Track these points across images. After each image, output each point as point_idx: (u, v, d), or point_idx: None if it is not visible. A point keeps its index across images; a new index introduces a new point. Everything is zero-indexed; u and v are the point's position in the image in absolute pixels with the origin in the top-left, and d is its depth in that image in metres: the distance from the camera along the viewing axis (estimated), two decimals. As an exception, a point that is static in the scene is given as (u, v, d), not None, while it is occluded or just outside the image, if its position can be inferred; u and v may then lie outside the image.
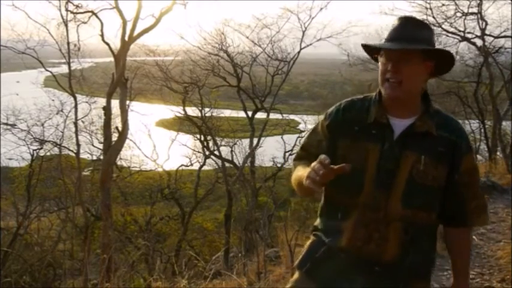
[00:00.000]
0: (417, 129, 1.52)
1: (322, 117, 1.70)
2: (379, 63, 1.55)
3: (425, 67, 1.53)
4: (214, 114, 14.29)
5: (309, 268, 1.64)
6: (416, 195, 1.49)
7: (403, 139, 1.52)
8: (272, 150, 14.70)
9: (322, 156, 1.36)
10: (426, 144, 1.51)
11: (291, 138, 14.73)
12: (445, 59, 1.58)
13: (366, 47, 1.61)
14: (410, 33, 1.50)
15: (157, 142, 14.88)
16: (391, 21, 1.58)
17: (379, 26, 14.19)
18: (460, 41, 12.00)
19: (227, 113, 16.29)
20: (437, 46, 1.64)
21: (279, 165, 13.98)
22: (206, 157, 13.99)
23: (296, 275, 1.71)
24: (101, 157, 11.71)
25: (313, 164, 1.38)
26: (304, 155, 1.70)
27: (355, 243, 1.52)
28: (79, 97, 12.54)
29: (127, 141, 10.62)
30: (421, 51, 1.49)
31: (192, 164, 14.92)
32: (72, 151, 13.02)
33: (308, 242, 1.72)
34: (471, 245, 1.72)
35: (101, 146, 12.53)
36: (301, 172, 1.55)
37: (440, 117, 1.57)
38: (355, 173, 1.48)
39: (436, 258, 1.64)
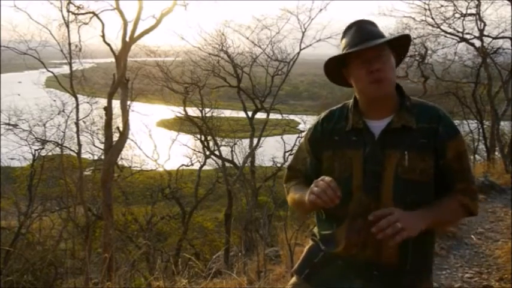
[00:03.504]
0: (394, 125, 1.49)
1: (305, 133, 1.72)
2: (354, 70, 1.52)
3: (392, 58, 1.53)
4: (214, 114, 14.31)
5: (308, 273, 1.63)
6: (407, 193, 1.45)
7: (384, 139, 1.49)
8: (272, 150, 14.71)
9: (327, 178, 1.38)
10: (407, 140, 1.47)
11: (290, 138, 14.73)
12: (401, 47, 1.58)
13: (330, 61, 1.60)
14: (371, 32, 1.51)
15: (158, 142, 14.94)
16: (344, 29, 1.57)
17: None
18: (458, 42, 12.05)
19: (227, 113, 16.27)
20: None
21: (278, 165, 13.98)
22: (206, 157, 14.02)
23: (294, 279, 1.69)
24: (102, 157, 11.75)
25: (317, 180, 1.40)
26: (293, 175, 1.72)
27: (350, 250, 1.50)
28: (80, 97, 12.61)
29: (128, 141, 10.63)
30: (386, 44, 1.49)
31: (192, 164, 14.98)
32: (73, 151, 13.10)
33: (307, 247, 1.72)
34: (455, 211, 1.54)
35: (102, 146, 12.59)
36: (298, 195, 1.58)
37: (420, 108, 1.53)
38: (342, 182, 1.46)
39: (433, 254, 1.61)
